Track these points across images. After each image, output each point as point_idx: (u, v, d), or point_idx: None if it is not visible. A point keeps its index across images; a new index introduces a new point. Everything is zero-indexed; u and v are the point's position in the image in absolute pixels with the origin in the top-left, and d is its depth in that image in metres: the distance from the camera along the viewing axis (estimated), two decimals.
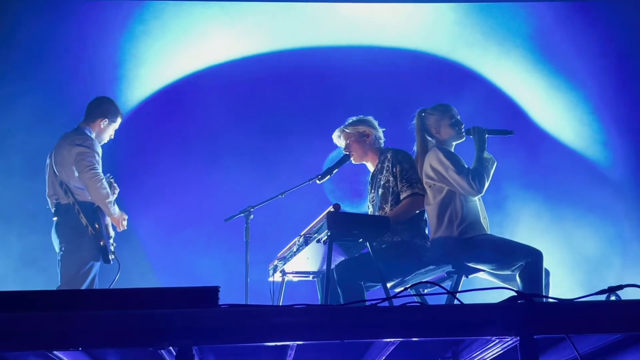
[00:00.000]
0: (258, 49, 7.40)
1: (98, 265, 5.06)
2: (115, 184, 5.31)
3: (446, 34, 7.53)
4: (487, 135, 4.44)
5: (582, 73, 7.38)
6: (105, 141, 5.34)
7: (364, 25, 7.50)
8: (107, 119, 5.26)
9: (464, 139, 4.55)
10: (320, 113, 7.05)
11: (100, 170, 5.05)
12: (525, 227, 6.84)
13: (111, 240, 5.13)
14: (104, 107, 5.28)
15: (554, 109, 7.43)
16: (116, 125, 5.33)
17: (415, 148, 4.61)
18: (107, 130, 5.29)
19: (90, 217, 4.99)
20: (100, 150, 5.17)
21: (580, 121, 7.37)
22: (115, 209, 5.11)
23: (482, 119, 6.57)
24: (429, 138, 4.57)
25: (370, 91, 7.16)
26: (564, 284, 6.47)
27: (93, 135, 5.21)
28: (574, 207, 7.06)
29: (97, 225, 4.99)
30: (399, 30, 7.48)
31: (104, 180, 5.04)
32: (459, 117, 4.55)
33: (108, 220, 5.12)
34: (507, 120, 7.01)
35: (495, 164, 4.42)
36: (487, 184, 4.33)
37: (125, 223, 5.20)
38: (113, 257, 5.09)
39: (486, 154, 4.40)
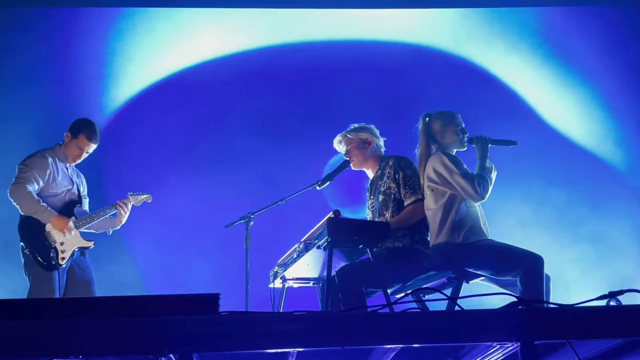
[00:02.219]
0: (252, 44, 7.28)
1: (54, 273, 5.01)
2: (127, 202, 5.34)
3: (449, 28, 7.39)
4: (490, 145, 4.44)
5: (593, 67, 7.22)
6: (73, 159, 5.24)
7: (363, 19, 7.36)
8: (69, 134, 5.21)
9: (466, 148, 4.54)
10: (320, 115, 6.99)
11: (28, 183, 4.98)
12: (533, 228, 6.72)
13: (61, 247, 5.03)
14: (73, 123, 5.26)
15: (563, 105, 7.26)
16: (79, 142, 5.19)
17: (417, 151, 4.59)
18: (70, 147, 5.20)
19: (19, 229, 5.06)
20: (47, 170, 5.07)
21: (592, 118, 7.21)
22: (46, 215, 5.02)
23: (488, 116, 6.57)
24: (432, 143, 4.54)
25: (371, 88, 7.07)
26: (575, 287, 6.40)
27: (60, 155, 5.19)
28: (586, 208, 6.91)
29: (22, 239, 5.03)
30: (399, 24, 7.37)
31: (23, 189, 4.96)
32: (463, 125, 4.54)
33: (51, 227, 5.07)
34: (514, 117, 6.94)
35: (496, 172, 4.42)
36: (490, 190, 4.33)
37: (69, 225, 5.07)
38: (55, 262, 5.00)
39: (487, 163, 4.40)
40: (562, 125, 7.26)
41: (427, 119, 4.57)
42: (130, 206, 5.36)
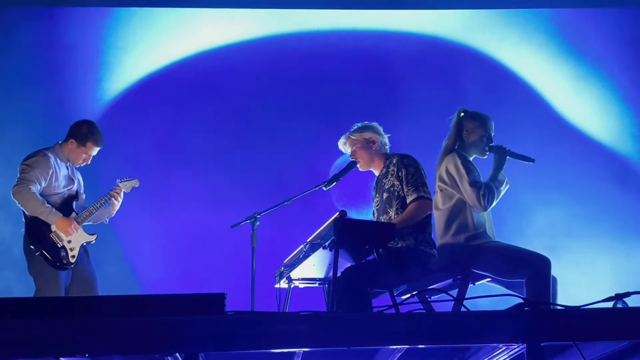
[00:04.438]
0: (256, 33, 7.15)
1: (61, 272, 5.03)
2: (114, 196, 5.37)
3: (461, 20, 7.25)
4: (508, 157, 4.41)
5: (609, 62, 7.08)
6: (77, 164, 5.27)
7: (372, 11, 7.24)
8: (74, 141, 5.21)
9: (486, 156, 4.50)
10: (327, 114, 6.91)
11: (31, 184, 4.99)
12: (546, 227, 6.64)
13: (69, 245, 5.07)
14: (76, 128, 5.25)
15: (579, 98, 7.10)
16: (87, 150, 5.21)
17: (444, 143, 4.54)
18: (76, 153, 5.21)
19: (27, 230, 5.07)
20: (49, 170, 5.08)
21: (609, 112, 7.07)
22: (52, 217, 5.04)
23: (501, 110, 6.47)
24: (459, 139, 4.51)
25: (380, 84, 6.98)
26: (587, 289, 6.30)
27: (61, 155, 5.20)
28: (601, 206, 6.77)
29: (32, 241, 5.02)
30: (406, 13, 7.24)
31: (27, 191, 4.97)
32: (492, 133, 4.50)
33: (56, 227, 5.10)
34: (529, 111, 6.85)
35: (508, 186, 4.39)
36: (495, 203, 4.31)
37: (72, 228, 5.09)
38: (66, 261, 5.04)
39: (501, 175, 4.37)
40: (578, 119, 7.11)
41: (462, 114, 4.53)
42: (122, 194, 5.40)
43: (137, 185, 5.54)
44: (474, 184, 4.25)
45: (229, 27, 7.20)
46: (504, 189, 4.37)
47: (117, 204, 5.39)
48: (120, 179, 5.44)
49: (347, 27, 7.26)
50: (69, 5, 7.17)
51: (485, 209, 4.27)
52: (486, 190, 4.24)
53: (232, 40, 7.20)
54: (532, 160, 4.49)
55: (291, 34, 7.22)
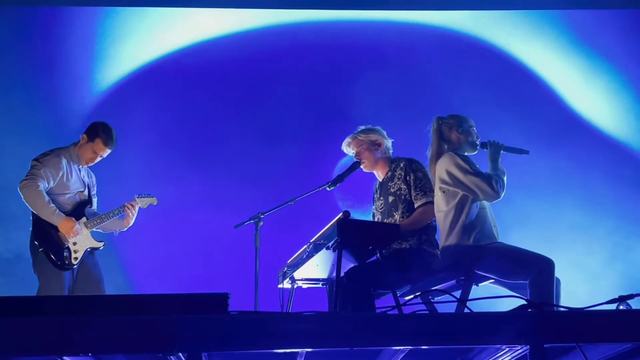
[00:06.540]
0: (257, 23, 7.08)
1: (65, 272, 5.03)
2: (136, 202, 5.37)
3: (469, 13, 7.18)
4: (502, 151, 4.43)
5: (623, 54, 7.04)
6: (87, 162, 5.23)
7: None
8: (86, 136, 5.20)
9: (477, 151, 4.53)
10: (331, 115, 6.91)
11: (40, 180, 4.98)
12: (552, 226, 6.60)
13: (74, 247, 5.07)
14: (91, 126, 5.25)
15: (592, 93, 7.06)
16: (94, 146, 5.17)
17: (429, 152, 4.59)
18: (85, 148, 5.19)
19: (34, 226, 5.07)
20: (60, 172, 5.08)
21: (623, 108, 7.03)
22: (55, 217, 5.02)
23: (510, 105, 6.45)
24: (444, 144, 4.54)
25: (384, 81, 6.91)
26: (595, 290, 6.29)
27: (74, 156, 5.20)
28: (614, 204, 6.72)
29: (37, 239, 5.02)
30: (415, 12, 7.22)
31: (35, 187, 4.96)
32: (475, 128, 4.53)
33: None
34: (540, 106, 6.82)
35: (505, 175, 4.41)
36: (504, 192, 4.32)
37: (75, 229, 5.07)
38: (68, 262, 5.04)
39: (499, 165, 4.39)
40: (591, 114, 7.04)
41: (440, 121, 4.57)
42: (137, 208, 5.39)
43: (154, 204, 5.53)
44: (480, 174, 4.28)
45: (229, 18, 7.15)
46: (505, 178, 4.39)
47: (131, 219, 5.37)
48: (139, 194, 5.44)
49: (350, 18, 7.22)
50: (61, 4, 7.17)
51: (499, 196, 4.28)
52: (496, 177, 4.27)
53: (234, 30, 7.15)
54: (526, 152, 4.52)
55: (294, 24, 7.18)
